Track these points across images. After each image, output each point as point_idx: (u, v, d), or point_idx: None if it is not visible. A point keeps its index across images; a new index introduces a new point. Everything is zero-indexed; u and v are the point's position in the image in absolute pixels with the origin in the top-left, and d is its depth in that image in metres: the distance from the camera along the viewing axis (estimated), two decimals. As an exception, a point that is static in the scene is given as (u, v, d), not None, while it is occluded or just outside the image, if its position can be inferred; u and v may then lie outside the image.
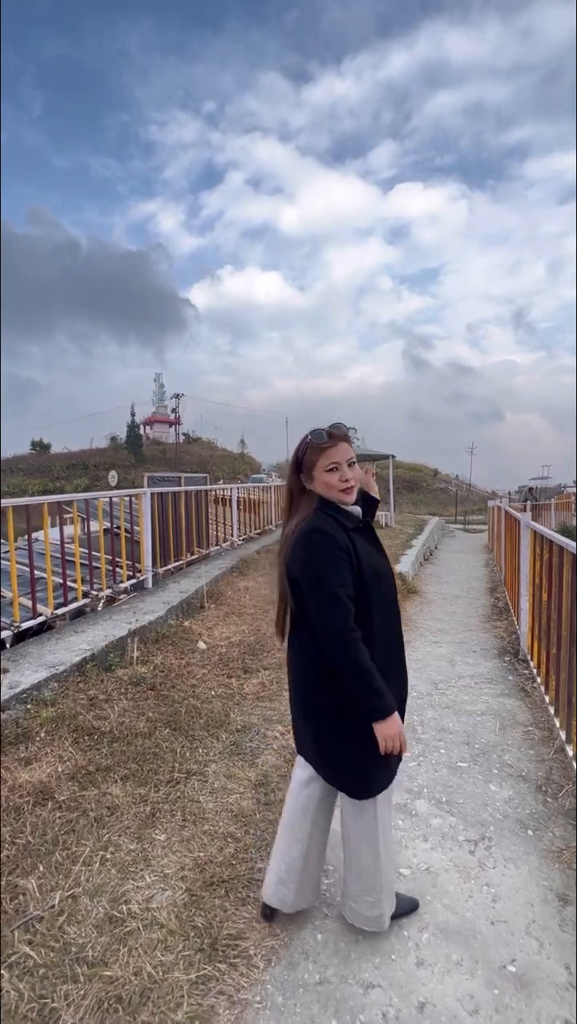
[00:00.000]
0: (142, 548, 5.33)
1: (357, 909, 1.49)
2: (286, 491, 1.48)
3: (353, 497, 1.42)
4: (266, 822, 2.01)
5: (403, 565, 6.85)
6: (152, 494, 5.51)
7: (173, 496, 6.08)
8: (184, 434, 62.75)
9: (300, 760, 1.56)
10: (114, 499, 5.05)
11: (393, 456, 13.43)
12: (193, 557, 6.58)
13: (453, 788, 2.32)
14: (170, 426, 56.86)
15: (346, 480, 1.39)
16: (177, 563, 6.07)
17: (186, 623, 4.57)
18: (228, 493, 8.56)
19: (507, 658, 4.05)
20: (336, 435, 1.40)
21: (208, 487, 7.47)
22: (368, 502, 1.56)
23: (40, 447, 47.68)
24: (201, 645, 4.18)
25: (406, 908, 1.61)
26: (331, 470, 1.38)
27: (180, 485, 6.72)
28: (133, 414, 46.15)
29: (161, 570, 5.62)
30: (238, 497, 9.17)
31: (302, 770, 1.55)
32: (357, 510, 1.45)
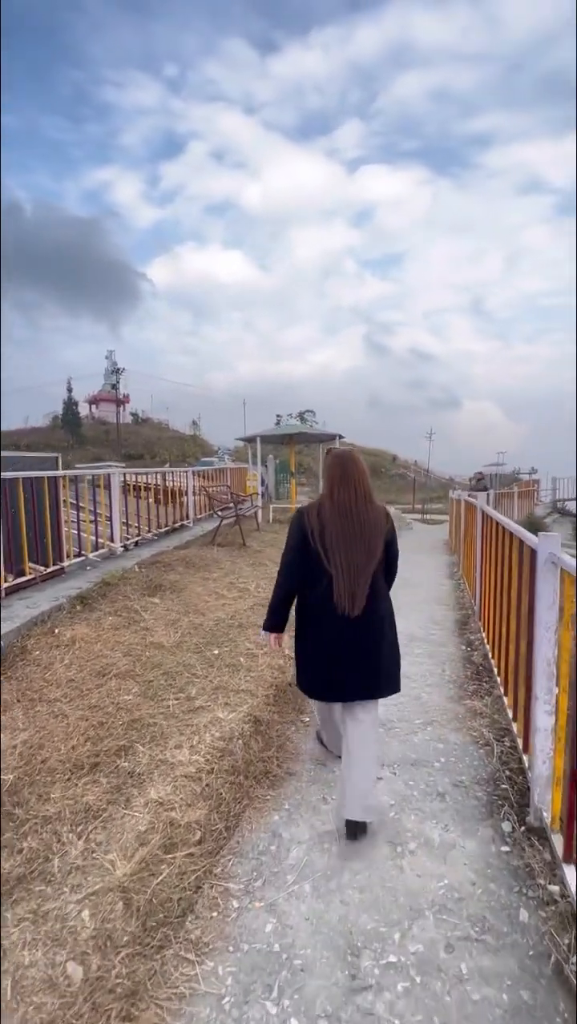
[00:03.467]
0: None
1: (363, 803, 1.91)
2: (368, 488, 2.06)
3: None
4: None
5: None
6: None
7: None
8: (132, 414, 58.90)
9: (346, 710, 2.09)
10: None
11: (341, 436, 11.41)
12: (21, 580, 4.30)
13: None
14: (119, 405, 52.95)
15: None
16: (-20, 593, 3.79)
17: None
18: (106, 479, 6.24)
19: (507, 823, 2.03)
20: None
21: (61, 472, 5.14)
22: None
23: (-33, 425, 43.02)
24: None
25: None
26: None
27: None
28: (70, 389, 42.06)
29: None
30: (124, 483, 6.87)
31: (355, 713, 2.06)
32: None
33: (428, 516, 19.96)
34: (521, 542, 2.54)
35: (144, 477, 8.42)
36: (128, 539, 6.66)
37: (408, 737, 2.73)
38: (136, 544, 6.92)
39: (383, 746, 2.64)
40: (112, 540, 6.15)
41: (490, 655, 3.58)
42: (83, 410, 55.98)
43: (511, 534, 2.80)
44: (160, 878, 1.72)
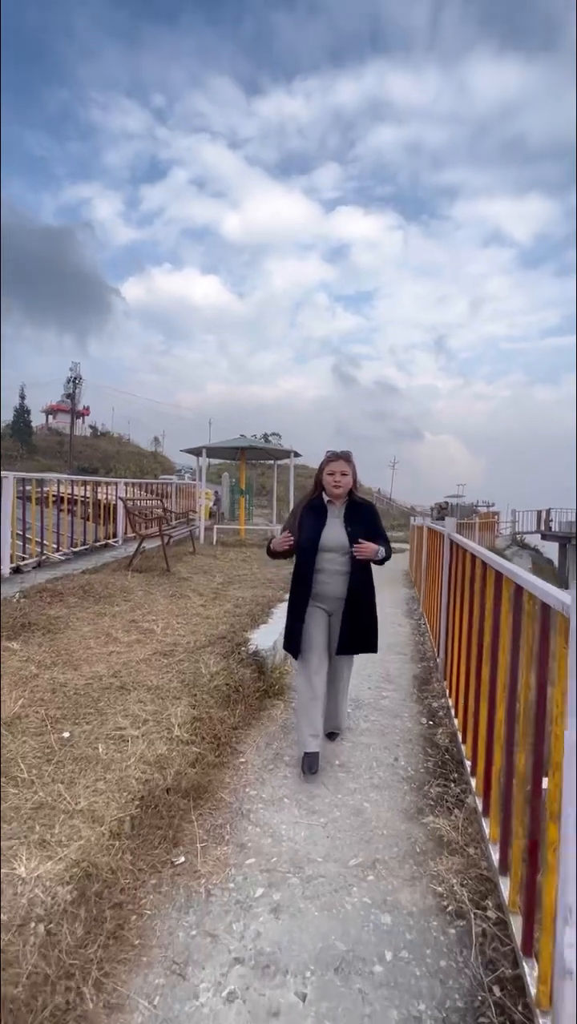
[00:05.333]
0: None
1: (339, 721, 2.78)
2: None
3: (337, 492, 2.51)
4: None
5: (261, 635, 3.73)
6: None
7: None
8: (91, 427, 56.91)
9: (317, 666, 2.50)
10: None
11: (297, 454, 10.51)
12: None
13: None
14: (78, 417, 50.97)
15: (336, 482, 2.50)
16: None
17: None
18: None
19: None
20: (337, 455, 2.54)
21: None
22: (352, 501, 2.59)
23: None
24: None
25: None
26: (329, 474, 2.51)
27: None
28: (23, 397, 39.95)
29: None
30: (24, 492, 5.70)
31: (319, 668, 2.51)
32: (325, 499, 2.55)
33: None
34: (521, 589, 1.61)
35: (59, 487, 7.23)
36: (25, 559, 5.46)
37: (335, 899, 1.70)
38: (38, 565, 5.73)
39: (295, 920, 1.61)
40: (-2, 561, 4.95)
41: (460, 737, 2.62)
42: (41, 420, 53.63)
43: (502, 576, 1.88)
44: None
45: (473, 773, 2.25)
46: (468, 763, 2.36)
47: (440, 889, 1.73)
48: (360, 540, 2.42)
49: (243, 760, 2.50)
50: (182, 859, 1.83)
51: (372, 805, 2.21)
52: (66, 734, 2.32)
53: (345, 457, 2.52)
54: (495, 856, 1.76)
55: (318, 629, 2.50)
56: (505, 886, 1.63)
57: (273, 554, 2.56)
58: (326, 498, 2.54)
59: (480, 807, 2.04)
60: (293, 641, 2.50)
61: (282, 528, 2.61)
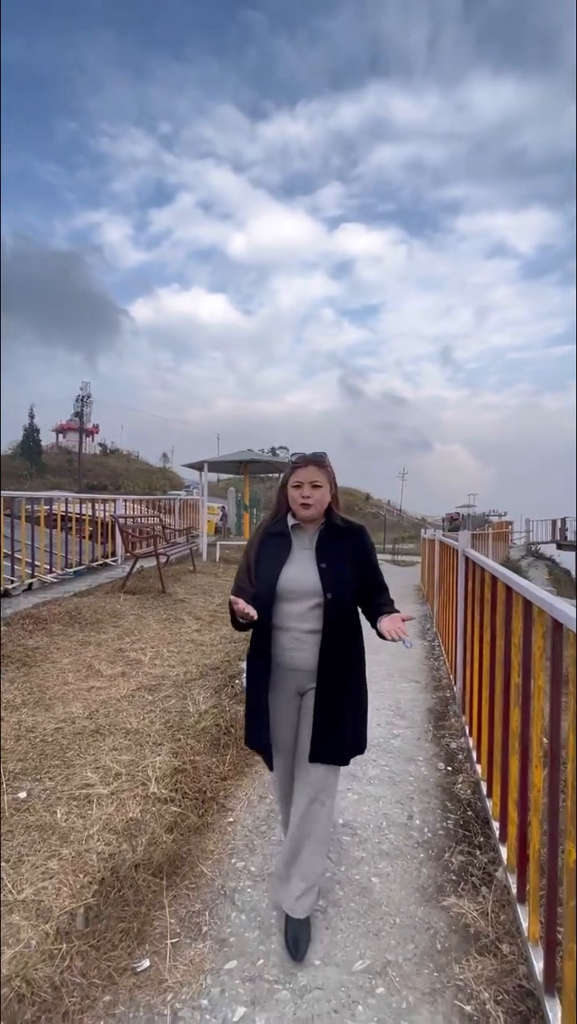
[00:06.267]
0: None
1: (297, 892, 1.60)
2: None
3: (307, 513, 1.66)
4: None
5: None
6: None
7: None
8: (100, 444, 57.48)
9: (290, 766, 1.71)
10: None
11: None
12: None
13: None
14: (88, 435, 51.49)
15: (305, 497, 1.66)
16: None
17: None
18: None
19: None
20: (307, 459, 1.69)
21: None
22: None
23: None
24: None
25: None
26: (296, 486, 1.68)
27: None
28: (32, 416, 40.34)
29: None
30: (15, 511, 5.45)
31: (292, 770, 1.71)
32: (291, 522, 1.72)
33: (399, 557, 18.85)
34: (560, 627, 1.27)
35: (52, 505, 6.97)
36: (13, 582, 5.19)
37: (336, 1023, 1.34)
38: (30, 587, 5.46)
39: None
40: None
41: (484, 788, 2.25)
42: (52, 439, 54.33)
43: (532, 605, 1.53)
44: None
45: (503, 840, 1.88)
46: (495, 824, 1.99)
47: (469, 1008, 1.36)
48: (384, 612, 1.61)
49: (231, 820, 2.15)
50: (146, 964, 1.48)
51: (381, 881, 1.85)
52: (22, 794, 1.99)
53: (317, 462, 1.68)
54: (538, 965, 1.39)
55: (283, 713, 1.68)
56: (555, 1014, 1.26)
57: (239, 625, 1.67)
58: (291, 521, 1.72)
59: (513, 888, 1.67)
60: (249, 730, 1.74)
61: (236, 575, 1.75)
